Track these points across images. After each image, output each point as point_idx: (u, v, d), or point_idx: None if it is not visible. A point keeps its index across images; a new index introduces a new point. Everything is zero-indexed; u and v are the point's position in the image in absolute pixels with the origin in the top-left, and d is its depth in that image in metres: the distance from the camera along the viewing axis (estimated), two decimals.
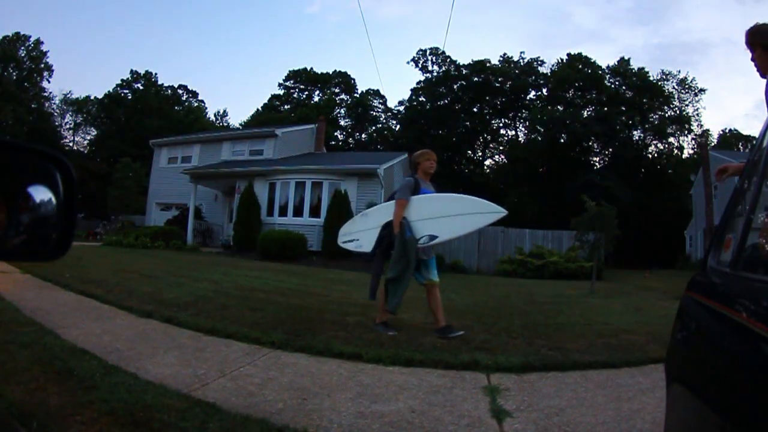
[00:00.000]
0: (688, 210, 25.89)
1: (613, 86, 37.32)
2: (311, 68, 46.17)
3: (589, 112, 36.34)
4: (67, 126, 42.55)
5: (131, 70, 43.50)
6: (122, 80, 42.85)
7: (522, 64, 40.00)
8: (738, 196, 1.31)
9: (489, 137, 42.09)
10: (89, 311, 4.54)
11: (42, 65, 38.69)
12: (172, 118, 40.55)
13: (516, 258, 14.75)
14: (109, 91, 41.94)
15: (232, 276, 8.18)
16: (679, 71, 39.45)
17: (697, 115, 38.13)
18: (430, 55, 41.59)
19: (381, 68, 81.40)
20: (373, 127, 45.17)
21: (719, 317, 0.99)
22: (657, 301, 7.81)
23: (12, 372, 2.58)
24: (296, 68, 46.24)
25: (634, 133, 37.34)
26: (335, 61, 78.20)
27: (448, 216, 4.14)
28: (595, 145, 36.93)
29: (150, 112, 39.69)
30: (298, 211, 15.38)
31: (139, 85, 43.11)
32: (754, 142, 1.59)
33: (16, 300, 4.58)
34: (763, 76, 2.25)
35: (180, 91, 46.60)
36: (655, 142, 38.33)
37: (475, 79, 39.46)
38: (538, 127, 36.62)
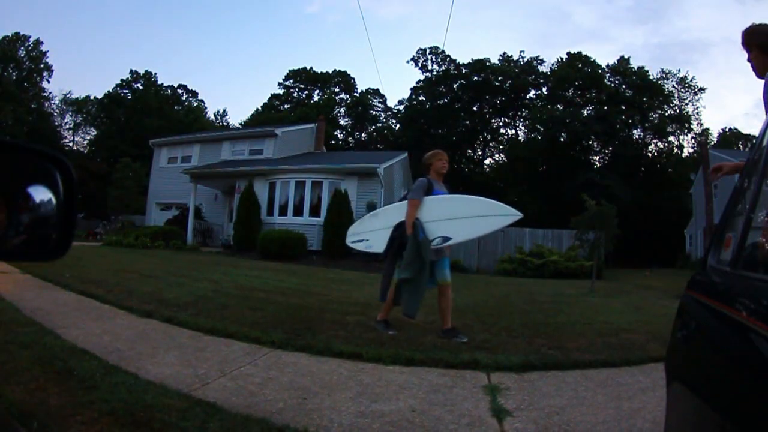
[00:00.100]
0: (688, 209, 25.89)
1: (612, 85, 37.33)
2: (311, 68, 46.23)
3: (589, 111, 36.32)
4: (67, 126, 42.62)
5: (131, 70, 43.56)
6: (122, 80, 42.91)
7: (522, 63, 40.02)
8: (738, 195, 1.31)
9: (489, 136, 42.09)
10: (89, 311, 4.54)
11: (42, 65, 38.69)
12: (172, 118, 40.53)
13: (516, 257, 14.74)
14: (108, 91, 41.99)
15: (232, 276, 8.18)
16: (679, 70, 39.51)
17: (697, 114, 38.19)
18: (429, 54, 41.63)
19: (381, 67, 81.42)
20: (373, 127, 45.18)
21: (719, 316, 0.99)
22: (657, 300, 7.81)
23: (12, 372, 2.58)
24: (296, 68, 46.33)
25: (634, 132, 37.34)
26: (335, 60, 78.41)
27: (462, 218, 4.08)
28: (595, 144, 36.92)
29: (150, 112, 39.67)
30: (298, 211, 15.37)
31: (138, 85, 43.09)
32: (754, 141, 1.59)
33: (16, 300, 4.59)
34: (759, 76, 2.25)
35: (180, 91, 46.65)
36: (655, 141, 38.35)
37: (475, 78, 39.45)
38: (538, 126, 36.63)
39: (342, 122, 44.76)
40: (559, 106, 36.91)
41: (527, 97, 40.45)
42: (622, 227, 10.58)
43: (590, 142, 36.40)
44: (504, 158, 41.38)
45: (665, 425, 1.28)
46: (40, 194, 0.84)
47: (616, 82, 37.51)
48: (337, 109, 44.62)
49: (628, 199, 27.51)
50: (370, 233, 4.67)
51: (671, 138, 38.11)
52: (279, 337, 3.76)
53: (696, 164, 27.29)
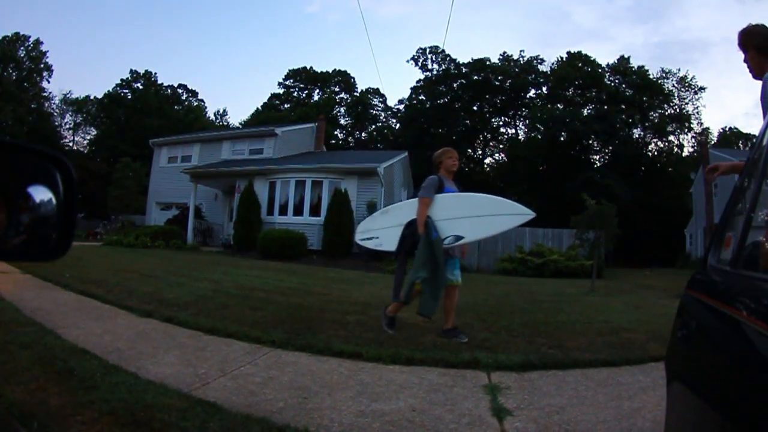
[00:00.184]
0: (688, 208, 25.88)
1: (613, 84, 37.30)
2: (311, 67, 46.20)
3: (589, 111, 36.29)
4: (67, 126, 42.58)
5: (131, 70, 43.52)
6: (122, 80, 42.87)
7: (522, 62, 39.96)
8: (738, 194, 1.31)
9: (489, 136, 42.07)
10: (89, 311, 4.54)
11: (42, 65, 38.65)
12: (172, 118, 40.52)
13: (516, 256, 14.73)
14: (108, 91, 41.96)
15: (232, 275, 8.18)
16: (679, 69, 39.21)
17: (697, 113, 38.12)
18: (429, 53, 41.57)
19: (381, 67, 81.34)
20: (373, 126, 45.16)
21: (719, 315, 0.99)
22: (657, 300, 7.81)
23: (12, 372, 2.59)
24: (296, 67, 46.29)
25: (634, 131, 37.30)
26: (335, 60, 78.17)
27: (474, 216, 4.01)
28: (595, 144, 36.89)
29: (150, 112, 39.65)
30: (298, 210, 15.38)
31: (138, 84, 43.07)
32: (754, 140, 1.59)
33: (16, 300, 4.59)
34: (756, 77, 2.25)
35: (180, 91, 46.61)
36: (655, 140, 38.31)
37: (475, 77, 39.42)
38: (538, 126, 36.58)
39: (342, 122, 44.75)
40: (559, 105, 36.88)
41: (527, 96, 40.42)
42: (622, 226, 10.57)
43: (590, 142, 36.38)
44: (504, 158, 41.37)
45: (665, 424, 1.28)
46: (40, 194, 0.84)
47: (616, 81, 37.48)
48: (337, 109, 44.61)
49: (628, 198, 27.50)
50: (381, 231, 4.59)
51: (671, 137, 38.11)
52: (279, 336, 3.76)
53: (696, 164, 27.30)
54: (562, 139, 35.15)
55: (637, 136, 37.53)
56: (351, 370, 3.13)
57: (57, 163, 0.86)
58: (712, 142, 35.75)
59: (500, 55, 40.62)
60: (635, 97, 36.05)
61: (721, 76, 58.60)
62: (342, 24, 67.78)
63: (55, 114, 41.44)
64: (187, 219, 17.48)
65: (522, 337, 4.15)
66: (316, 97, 45.35)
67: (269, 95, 46.42)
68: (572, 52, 38.50)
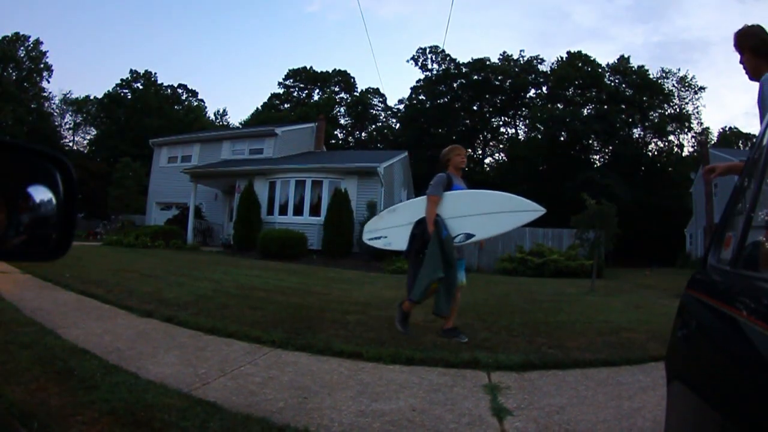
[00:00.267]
0: (688, 208, 25.89)
1: (612, 84, 37.30)
2: (311, 67, 46.22)
3: (589, 110, 36.30)
4: (67, 126, 42.58)
5: (131, 70, 43.51)
6: (122, 80, 42.86)
7: (522, 62, 39.96)
8: (738, 194, 1.31)
9: (489, 135, 42.08)
10: (89, 311, 4.54)
11: (42, 65, 38.64)
12: (172, 118, 40.51)
13: (516, 256, 14.73)
14: (108, 91, 41.94)
15: (232, 275, 8.18)
16: (679, 69, 39.16)
17: (697, 113, 38.14)
18: (429, 53, 41.58)
19: (381, 67, 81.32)
20: (373, 126, 45.17)
21: (719, 315, 0.99)
22: (657, 299, 7.81)
23: (13, 372, 2.59)
24: (296, 67, 46.30)
25: (634, 131, 37.31)
26: (335, 59, 77.93)
27: (484, 214, 3.95)
28: (595, 143, 36.90)
29: (150, 112, 39.65)
30: (298, 210, 15.38)
31: (138, 84, 43.06)
32: (754, 140, 1.59)
33: (16, 300, 4.59)
34: (752, 78, 2.24)
35: (180, 91, 46.61)
36: (655, 140, 38.32)
37: (475, 77, 39.42)
38: (538, 125, 36.60)
39: (342, 121, 44.76)
40: (559, 105, 36.89)
41: (527, 96, 40.44)
42: (622, 226, 10.57)
43: (590, 142, 36.39)
44: (504, 157, 41.38)
45: (665, 424, 1.28)
46: (40, 194, 0.84)
47: (616, 81, 37.48)
48: (337, 109, 44.61)
49: (628, 198, 27.50)
50: (389, 230, 4.49)
51: (671, 137, 38.13)
52: (279, 336, 3.76)
53: (696, 163, 27.31)
54: (562, 138, 35.17)
55: (637, 135, 37.55)
56: (351, 370, 3.13)
57: (57, 163, 0.86)
58: (712, 142, 35.75)
59: (500, 54, 40.69)
60: (635, 96, 36.06)
61: (721, 75, 58.54)
62: (342, 24, 67.81)
63: (55, 114, 41.49)
64: (187, 219, 17.49)
65: (522, 336, 4.15)
66: (316, 97, 45.37)
67: (269, 95, 46.51)
68: (572, 51, 38.55)
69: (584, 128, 33.57)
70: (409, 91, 43.14)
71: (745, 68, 2.27)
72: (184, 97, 46.92)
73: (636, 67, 37.13)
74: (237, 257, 12.99)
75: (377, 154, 21.07)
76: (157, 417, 2.12)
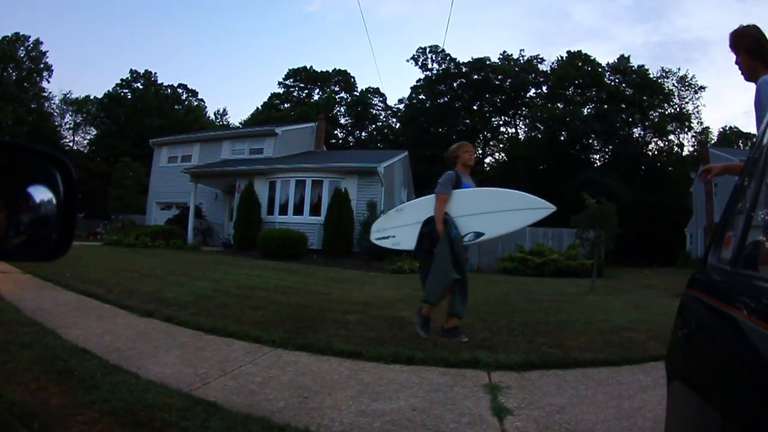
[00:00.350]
0: (688, 207, 25.89)
1: (613, 84, 37.30)
2: (311, 67, 46.21)
3: (589, 110, 36.32)
4: (67, 126, 42.58)
5: (131, 70, 43.50)
6: (122, 80, 42.85)
7: (522, 61, 39.97)
8: (738, 193, 1.31)
9: (489, 135, 42.08)
10: (90, 311, 4.54)
11: (42, 65, 38.63)
12: (172, 118, 40.49)
13: (516, 256, 14.74)
14: (108, 91, 41.94)
15: (232, 275, 8.18)
16: (679, 69, 39.24)
17: (697, 112, 38.16)
18: (429, 53, 41.58)
19: (381, 66, 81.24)
20: (373, 126, 45.17)
21: (720, 315, 0.99)
22: (657, 299, 7.81)
23: (13, 372, 2.59)
24: (296, 67, 46.29)
25: (634, 130, 37.33)
26: (335, 59, 77.79)
27: (494, 212, 3.88)
28: (595, 143, 36.90)
29: (150, 112, 39.63)
30: (298, 210, 15.38)
31: (138, 84, 43.05)
32: (754, 139, 1.59)
33: (16, 300, 4.59)
34: (747, 79, 2.23)
35: (180, 90, 46.59)
36: (655, 139, 38.34)
37: (475, 76, 39.42)
38: (538, 125, 36.63)
39: (342, 121, 44.76)
40: (559, 104, 36.91)
41: (527, 95, 40.45)
42: (622, 226, 10.57)
43: (590, 141, 36.40)
44: (504, 157, 41.38)
45: (666, 424, 1.28)
46: (40, 194, 0.84)
47: (616, 80, 37.48)
48: (337, 108, 44.62)
49: (628, 197, 27.50)
50: (397, 229, 4.41)
51: (671, 136, 38.16)
52: (280, 336, 3.76)
53: (696, 163, 27.31)
54: (562, 138, 35.17)
55: (637, 135, 37.56)
56: (351, 370, 3.13)
57: (57, 163, 0.86)
58: (712, 142, 35.74)
59: (500, 54, 40.69)
60: (635, 96, 36.06)
61: (721, 75, 58.42)
62: (342, 24, 67.76)
63: (55, 114, 41.49)
64: (187, 219, 17.49)
65: (522, 336, 4.15)
66: (316, 97, 45.37)
67: (269, 95, 46.51)
68: (572, 51, 38.57)
69: (584, 128, 33.58)
70: (409, 90, 43.23)
71: (740, 69, 2.26)
72: (184, 97, 46.94)
73: (636, 66, 37.18)
74: (237, 257, 12.99)
75: (377, 154, 21.07)
76: (157, 417, 2.12)
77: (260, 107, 44.93)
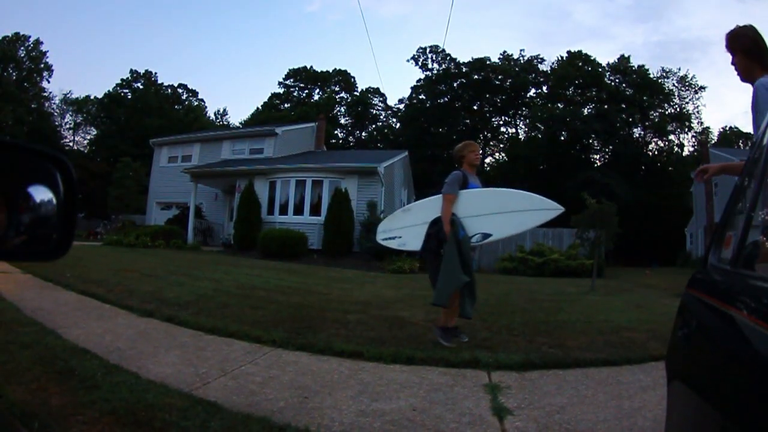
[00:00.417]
0: (688, 207, 25.89)
1: (613, 84, 37.31)
2: (311, 67, 46.23)
3: (589, 110, 36.32)
4: (67, 126, 42.56)
5: (131, 70, 43.52)
6: (122, 80, 42.87)
7: (522, 61, 39.98)
8: (738, 193, 1.31)
9: (489, 135, 42.08)
10: (90, 311, 4.55)
11: (42, 65, 38.63)
12: (172, 118, 40.51)
13: (517, 256, 14.73)
14: (109, 91, 41.95)
15: (232, 275, 8.18)
16: (679, 69, 39.24)
17: (698, 112, 38.17)
18: (430, 53, 41.60)
19: (381, 66, 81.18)
20: (373, 126, 45.18)
21: (720, 315, 0.99)
22: (658, 299, 7.81)
23: (13, 372, 2.59)
24: (296, 67, 46.32)
25: (635, 130, 37.34)
26: (335, 59, 77.78)
27: (502, 213, 3.83)
28: (595, 143, 36.90)
29: (150, 112, 39.65)
30: (298, 210, 15.38)
31: (138, 84, 43.07)
32: (754, 139, 1.59)
33: (17, 300, 4.59)
34: (743, 80, 2.23)
35: (180, 90, 46.59)
36: (655, 139, 38.35)
37: (475, 76, 39.44)
38: (538, 125, 36.64)
39: (342, 121, 44.77)
40: (559, 104, 36.91)
41: (527, 95, 40.46)
42: (622, 226, 10.57)
43: (590, 141, 36.39)
44: (504, 157, 41.38)
45: (666, 424, 1.28)
46: (41, 194, 0.84)
47: (617, 80, 37.49)
48: (338, 108, 44.63)
49: (628, 197, 27.50)
50: (403, 230, 4.35)
51: (671, 136, 38.16)
52: (280, 335, 3.76)
53: (696, 163, 27.27)
54: (562, 138, 35.17)
55: (637, 135, 37.57)
56: (352, 370, 3.13)
57: (57, 163, 0.86)
58: (713, 142, 35.72)
59: (500, 54, 40.70)
60: (635, 96, 36.07)
61: (721, 75, 58.19)
62: (342, 24, 67.72)
63: (55, 114, 41.48)
64: (187, 219, 17.49)
65: (522, 336, 4.15)
66: (316, 97, 45.39)
67: (269, 95, 46.53)
68: (572, 51, 38.59)
69: (584, 128, 33.58)
70: (410, 90, 43.23)
71: (736, 70, 2.25)
72: (184, 97, 46.94)
73: (636, 66, 37.21)
74: (237, 257, 12.99)
75: (377, 154, 21.06)
76: (157, 417, 2.12)
77: (260, 107, 44.97)
